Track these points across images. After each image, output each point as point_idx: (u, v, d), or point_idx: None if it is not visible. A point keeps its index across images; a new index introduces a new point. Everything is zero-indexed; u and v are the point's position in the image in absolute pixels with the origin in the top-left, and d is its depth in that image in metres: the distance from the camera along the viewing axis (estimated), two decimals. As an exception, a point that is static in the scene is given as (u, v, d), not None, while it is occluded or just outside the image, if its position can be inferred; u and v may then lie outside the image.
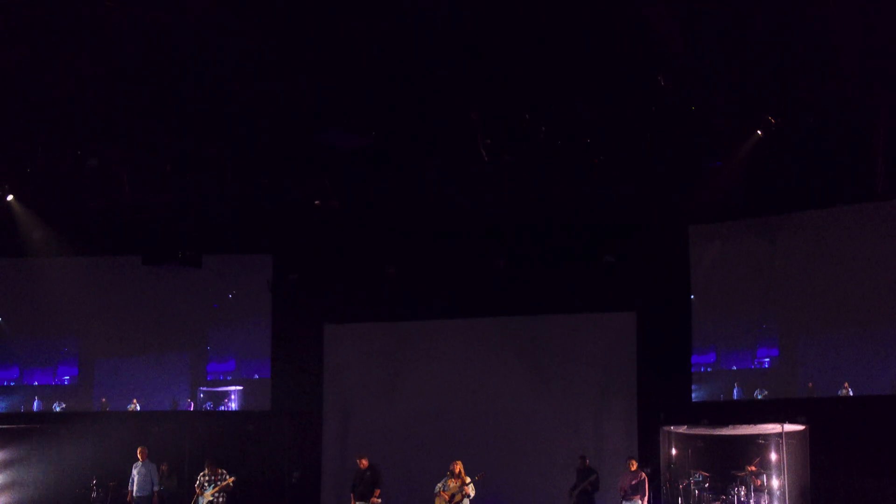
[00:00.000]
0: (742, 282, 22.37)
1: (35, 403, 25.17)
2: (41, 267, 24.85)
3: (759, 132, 19.64)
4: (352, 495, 20.31)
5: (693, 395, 22.58)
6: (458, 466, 19.40)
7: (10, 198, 22.96)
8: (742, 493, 20.36)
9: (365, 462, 20.28)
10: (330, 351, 25.19)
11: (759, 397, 21.96)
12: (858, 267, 20.94)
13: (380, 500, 20.03)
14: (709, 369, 22.63)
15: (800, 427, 20.50)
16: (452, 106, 19.04)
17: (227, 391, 25.14)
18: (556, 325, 24.00)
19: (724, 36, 16.69)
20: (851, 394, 20.91)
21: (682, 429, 21.55)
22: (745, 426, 20.91)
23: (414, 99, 18.90)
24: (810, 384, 21.40)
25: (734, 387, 22.33)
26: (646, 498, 19.26)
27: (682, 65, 17.36)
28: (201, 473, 20.42)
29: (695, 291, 22.74)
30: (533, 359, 23.88)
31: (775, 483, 20.53)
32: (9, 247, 24.29)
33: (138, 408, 24.97)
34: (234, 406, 25.00)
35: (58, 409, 25.05)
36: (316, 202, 22.69)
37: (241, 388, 25.12)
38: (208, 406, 25.01)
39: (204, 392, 25.17)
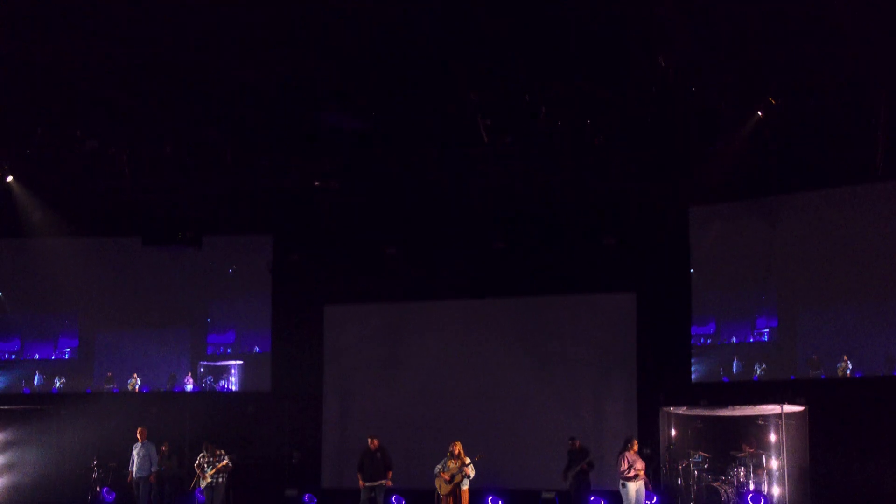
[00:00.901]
0: (742, 262, 22.37)
1: (36, 378, 25.22)
2: (41, 248, 24.84)
3: (759, 113, 19.62)
4: (359, 475, 20.36)
5: (692, 369, 22.58)
6: (458, 447, 19.42)
7: (9, 179, 22.97)
8: (741, 473, 20.41)
9: (376, 442, 20.34)
10: (330, 332, 25.21)
11: (759, 371, 21.95)
12: (858, 247, 20.92)
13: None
14: (708, 341, 22.62)
15: (799, 408, 20.54)
16: (452, 86, 19.01)
17: (227, 366, 25.17)
18: (555, 306, 23.99)
19: (724, 16, 16.66)
20: (850, 367, 20.90)
21: (682, 409, 21.59)
22: (744, 407, 20.96)
23: (414, 79, 18.87)
24: (815, 356, 21.40)
25: (733, 360, 22.33)
26: (645, 477, 19.27)
27: (683, 45, 17.33)
28: (200, 455, 20.45)
29: (695, 270, 22.72)
30: (532, 340, 23.89)
31: (774, 464, 20.58)
32: (9, 228, 24.28)
33: (139, 383, 25.01)
34: (234, 381, 25.02)
35: (59, 384, 25.08)
36: (316, 183, 22.70)
37: (240, 362, 25.15)
38: (209, 381, 25.04)
39: (204, 367, 25.21)
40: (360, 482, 20.31)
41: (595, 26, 16.73)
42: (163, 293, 25.17)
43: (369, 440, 20.42)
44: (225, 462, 20.23)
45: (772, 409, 20.56)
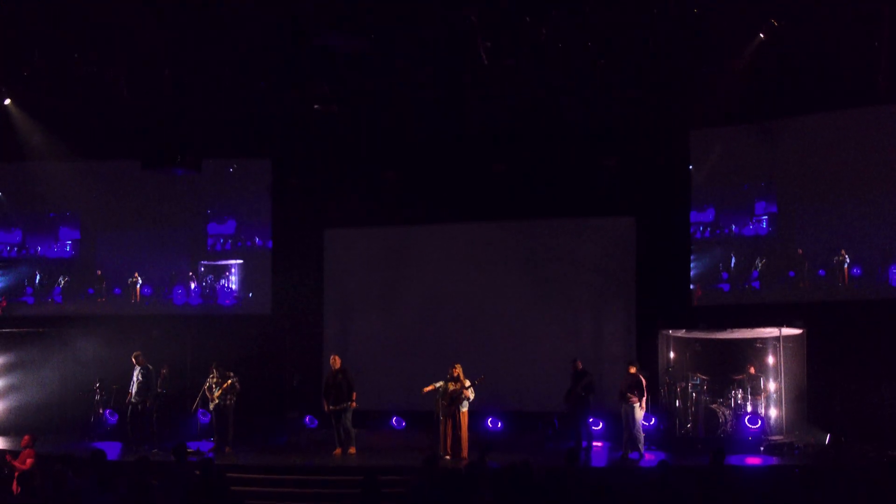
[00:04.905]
0: (742, 180, 22.44)
1: (37, 278, 25.34)
2: (41, 171, 24.83)
3: (761, 35, 19.47)
4: (325, 401, 20.51)
5: (691, 266, 22.74)
6: (458, 370, 19.58)
7: (7, 101, 22.89)
8: (739, 396, 20.56)
9: (338, 362, 20.43)
10: (330, 255, 25.24)
11: (759, 265, 22.01)
12: (860, 168, 20.87)
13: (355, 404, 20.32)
14: (707, 231, 22.68)
15: (797, 330, 20.64)
16: (452, 8, 18.85)
17: (227, 265, 25.24)
18: (555, 229, 23.99)
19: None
20: (848, 260, 20.99)
21: (681, 332, 21.69)
22: (742, 330, 21.05)
23: (413, 1, 18.72)
24: (800, 251, 21.62)
25: (731, 257, 22.44)
26: (643, 399, 19.42)
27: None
28: (210, 377, 20.65)
29: (695, 192, 22.77)
30: (532, 263, 23.92)
31: (772, 386, 20.73)
32: (8, 151, 24.25)
33: (140, 282, 25.11)
34: (234, 280, 25.09)
35: (62, 283, 25.19)
36: (315, 106, 22.58)
37: (240, 261, 25.25)
38: (209, 279, 25.12)
39: (205, 266, 25.28)
40: (326, 407, 20.46)
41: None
42: (163, 205, 25.20)
43: (332, 357, 20.61)
44: (230, 382, 20.48)
45: (770, 331, 20.66)
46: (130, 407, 21.30)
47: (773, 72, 20.59)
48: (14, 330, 24.46)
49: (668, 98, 21.82)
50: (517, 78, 20.91)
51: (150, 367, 21.42)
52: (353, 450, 20.19)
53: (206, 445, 20.69)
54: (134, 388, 21.24)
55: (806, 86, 20.74)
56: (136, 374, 21.28)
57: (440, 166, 23.72)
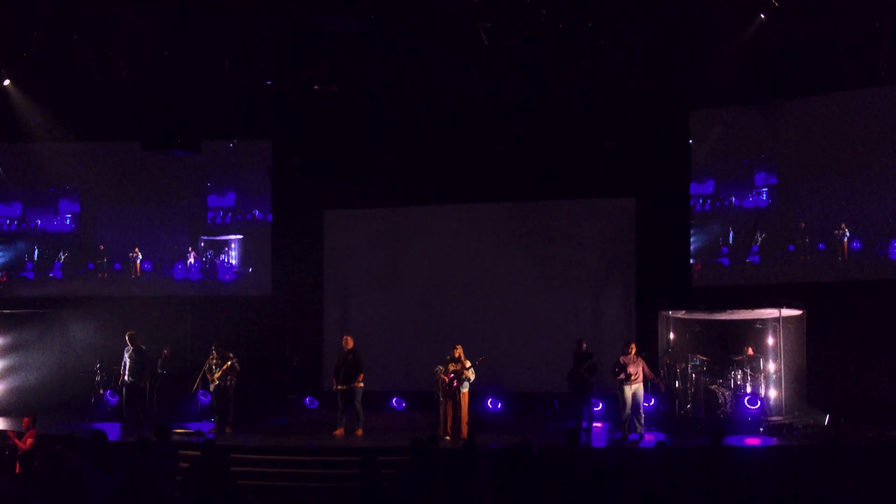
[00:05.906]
0: (742, 157, 22.43)
1: (36, 252, 25.37)
2: (40, 151, 24.81)
3: (762, 15, 19.42)
4: (334, 380, 20.58)
5: (691, 240, 22.75)
6: (459, 350, 19.61)
7: (6, 82, 22.85)
8: (739, 376, 20.58)
9: (350, 342, 20.54)
10: (330, 236, 25.22)
11: (759, 239, 22.00)
12: (859, 149, 20.85)
13: (363, 385, 20.37)
14: (707, 204, 22.67)
15: (797, 312, 20.64)
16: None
17: (227, 240, 25.23)
18: (555, 210, 23.97)
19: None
20: (848, 234, 20.96)
21: (681, 313, 21.69)
22: (742, 311, 21.06)
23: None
24: (803, 224, 21.53)
25: (730, 231, 22.46)
26: (640, 381, 19.44)
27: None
28: (209, 358, 20.74)
29: (694, 168, 22.76)
30: (532, 244, 23.90)
31: (772, 367, 20.75)
32: (6, 131, 24.23)
33: (140, 257, 25.10)
34: (234, 255, 25.08)
35: (62, 258, 25.20)
36: (315, 87, 22.54)
37: (240, 236, 25.26)
38: (209, 255, 25.11)
39: (205, 241, 25.26)
40: (335, 385, 20.53)
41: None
42: (162, 181, 25.22)
43: (345, 338, 20.77)
44: (229, 364, 20.57)
45: (770, 312, 20.66)
46: (125, 388, 21.42)
47: (773, 53, 20.54)
48: (14, 311, 24.49)
49: (669, 79, 21.76)
50: (517, 59, 20.86)
51: (144, 347, 21.54)
52: (360, 431, 20.27)
53: (207, 426, 20.74)
54: (126, 369, 21.33)
55: (807, 67, 20.69)
56: (127, 354, 21.37)
57: (440, 147, 23.69)
